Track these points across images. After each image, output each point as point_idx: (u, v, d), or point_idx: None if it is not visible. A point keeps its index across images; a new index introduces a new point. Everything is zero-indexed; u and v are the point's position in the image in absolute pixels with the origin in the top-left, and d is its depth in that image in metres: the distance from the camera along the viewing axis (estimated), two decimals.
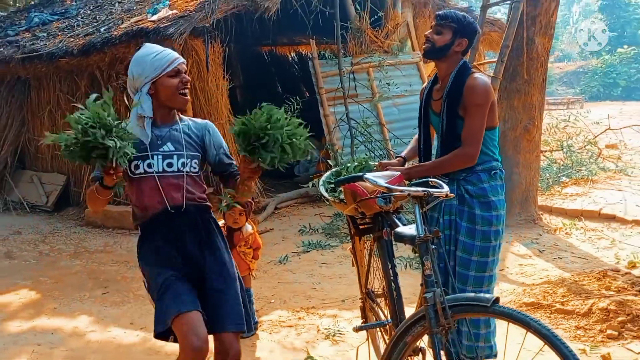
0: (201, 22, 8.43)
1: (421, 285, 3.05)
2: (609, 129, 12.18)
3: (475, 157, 3.64)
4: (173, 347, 4.85)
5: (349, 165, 4.21)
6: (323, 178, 4.10)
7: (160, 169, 3.20)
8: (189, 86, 3.30)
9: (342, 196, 3.75)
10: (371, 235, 3.80)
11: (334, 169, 4.21)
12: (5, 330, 5.43)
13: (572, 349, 2.65)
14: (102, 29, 9.64)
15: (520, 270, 6.38)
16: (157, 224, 3.23)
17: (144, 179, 3.19)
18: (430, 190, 3.02)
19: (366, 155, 8.97)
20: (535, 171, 8.22)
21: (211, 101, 8.77)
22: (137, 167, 3.17)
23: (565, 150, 10.83)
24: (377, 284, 4.08)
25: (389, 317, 3.84)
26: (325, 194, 3.93)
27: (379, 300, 4.05)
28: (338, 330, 5.03)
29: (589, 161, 10.63)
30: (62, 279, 6.78)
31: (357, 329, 3.71)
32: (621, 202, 8.49)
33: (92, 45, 9.09)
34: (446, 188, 3.06)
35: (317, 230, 8.09)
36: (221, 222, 4.98)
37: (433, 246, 2.99)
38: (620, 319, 4.87)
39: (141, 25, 8.60)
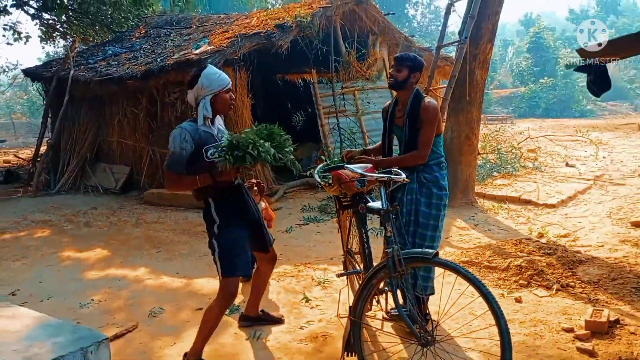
0: (231, 55, 8.53)
1: (384, 243, 3.20)
2: (529, 137, 12.31)
3: (426, 157, 3.82)
4: (209, 289, 5.05)
5: (335, 159, 4.36)
6: (317, 168, 4.22)
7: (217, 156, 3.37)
8: (234, 102, 3.49)
9: (330, 181, 3.90)
10: (351, 209, 3.94)
11: (324, 163, 4.35)
12: (86, 277, 5.58)
13: (488, 288, 2.81)
14: (158, 59, 9.74)
15: (460, 239, 6.50)
16: (226, 194, 3.47)
17: (207, 164, 3.36)
18: (392, 176, 3.17)
19: None
20: (474, 168, 8.32)
21: (237, 113, 8.86)
22: (212, 154, 3.34)
23: (496, 152, 10.95)
24: (355, 245, 4.23)
25: (362, 268, 4.01)
26: (318, 180, 4.07)
27: (356, 256, 4.21)
28: (327, 279, 5.17)
29: (513, 161, 10.74)
30: (127, 242, 6.91)
31: (339, 275, 3.86)
32: (535, 191, 8.62)
33: (151, 71, 9.19)
34: (403, 175, 3.21)
35: (315, 208, 8.20)
36: None
37: (393, 216, 3.14)
38: (529, 272, 5.00)
39: (187, 57, 8.70)
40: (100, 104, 11.02)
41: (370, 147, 4.36)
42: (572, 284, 4.80)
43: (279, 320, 4.23)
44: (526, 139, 12.27)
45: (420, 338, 2.95)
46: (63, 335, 2.66)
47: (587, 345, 3.65)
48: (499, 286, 4.83)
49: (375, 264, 3.49)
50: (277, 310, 4.50)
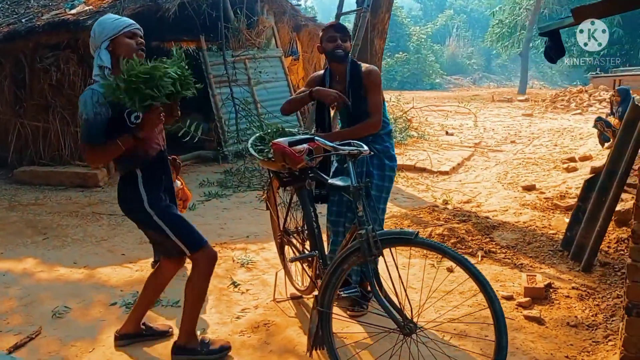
0: None
1: (354, 224, 2.77)
2: (414, 107, 12.41)
3: (380, 124, 3.47)
4: (118, 279, 4.31)
5: (268, 131, 3.82)
6: (250, 142, 3.68)
7: None
8: (144, 47, 2.83)
9: (270, 155, 3.39)
10: (294, 186, 3.46)
11: (257, 134, 3.80)
12: None
13: (477, 268, 2.50)
14: (23, 20, 8.27)
15: None
16: (157, 164, 2.91)
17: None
18: (360, 149, 2.74)
19: (248, 125, 8.53)
20: None
21: None
22: (137, 117, 2.72)
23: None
24: (292, 225, 3.78)
25: (305, 250, 3.58)
26: (256, 154, 3.52)
27: (293, 236, 3.76)
28: (250, 260, 4.65)
29: (403, 131, 10.74)
30: (3, 228, 5.74)
31: (292, 260, 3.37)
32: (426, 159, 8.63)
33: (17, 33, 7.73)
34: (366, 147, 2.80)
35: (213, 183, 7.48)
36: None
37: (364, 193, 2.72)
38: (452, 241, 4.87)
39: (62, 17, 7.44)
40: None
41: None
42: (493, 249, 4.74)
43: (165, 334, 3.35)
44: (410, 109, 12.35)
45: (404, 327, 2.58)
46: None
47: (533, 313, 3.55)
48: (427, 256, 4.62)
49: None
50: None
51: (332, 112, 3.80)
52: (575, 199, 6.03)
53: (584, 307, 3.64)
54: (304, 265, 3.58)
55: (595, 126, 8.32)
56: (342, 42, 3.45)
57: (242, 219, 5.88)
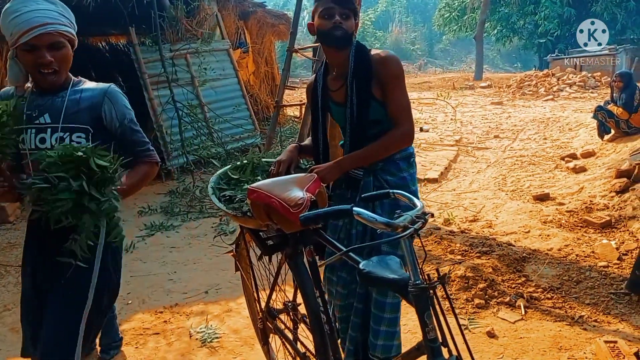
0: None
1: (417, 348, 1.60)
2: None
3: (413, 133, 2.28)
4: None
5: (238, 164, 2.59)
6: (212, 183, 2.45)
7: (33, 146, 2.03)
8: (51, 67, 1.99)
9: (245, 208, 2.20)
10: (287, 252, 2.25)
11: (221, 171, 2.56)
12: None
13: None
14: None
15: None
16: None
17: (22, 157, 2.08)
18: (425, 217, 1.56)
19: (195, 133, 7.20)
20: None
21: None
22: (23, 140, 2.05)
23: None
24: (278, 301, 2.57)
25: (297, 337, 2.42)
26: (221, 206, 2.29)
27: (280, 318, 2.56)
28: (213, 334, 3.40)
29: None
30: None
31: None
32: None
33: None
34: (420, 204, 1.64)
35: (156, 210, 6.07)
36: None
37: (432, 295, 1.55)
38: (480, 285, 3.77)
39: None
40: None
41: (305, 142, 2.61)
42: (535, 295, 3.68)
43: None
44: None
45: None
46: None
47: None
48: (449, 311, 3.49)
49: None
50: None
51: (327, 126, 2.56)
52: (606, 210, 5.09)
53: None
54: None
55: (595, 116, 7.44)
56: (342, 19, 2.23)
57: (196, 264, 4.60)
